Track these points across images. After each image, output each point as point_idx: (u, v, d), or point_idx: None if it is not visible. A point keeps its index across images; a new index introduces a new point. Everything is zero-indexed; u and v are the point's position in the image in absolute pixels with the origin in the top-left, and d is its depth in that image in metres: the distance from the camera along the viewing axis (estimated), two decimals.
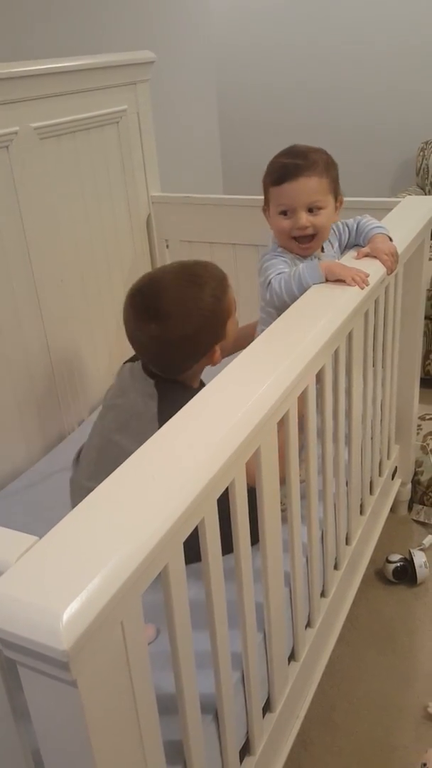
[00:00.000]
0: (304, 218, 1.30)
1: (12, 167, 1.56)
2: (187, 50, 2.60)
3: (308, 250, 1.34)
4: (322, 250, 1.38)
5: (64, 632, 0.52)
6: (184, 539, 0.71)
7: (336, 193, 1.34)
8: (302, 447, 1.11)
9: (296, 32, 3.42)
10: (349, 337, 1.23)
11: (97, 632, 0.55)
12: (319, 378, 1.11)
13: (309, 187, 1.28)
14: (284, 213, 1.31)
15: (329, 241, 1.40)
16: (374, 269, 1.27)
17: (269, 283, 1.28)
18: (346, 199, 1.75)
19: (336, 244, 1.42)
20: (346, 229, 1.42)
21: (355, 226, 1.42)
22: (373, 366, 1.46)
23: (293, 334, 1.04)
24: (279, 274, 1.28)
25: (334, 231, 1.42)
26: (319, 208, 1.30)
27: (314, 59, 3.44)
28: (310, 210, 1.30)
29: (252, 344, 1.01)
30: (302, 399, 1.03)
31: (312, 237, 1.32)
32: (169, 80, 2.45)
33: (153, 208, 2.06)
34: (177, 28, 2.52)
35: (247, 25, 3.50)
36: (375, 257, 1.30)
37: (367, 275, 1.21)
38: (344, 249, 1.43)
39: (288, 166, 1.29)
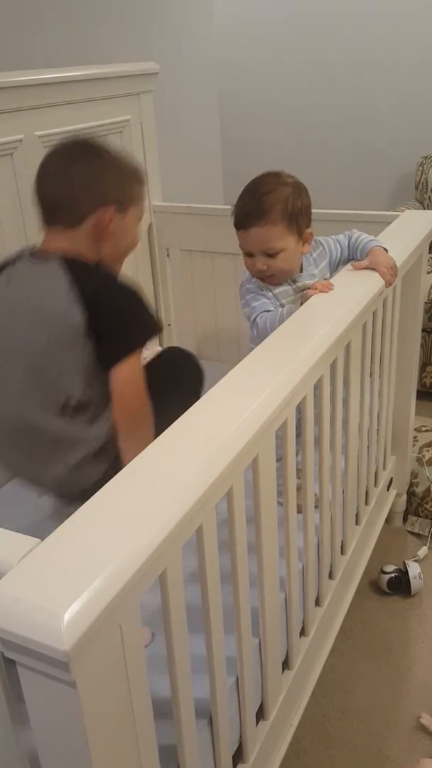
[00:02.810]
0: (260, 262, 1.29)
1: (16, 175, 1.57)
2: (190, 62, 2.62)
3: (275, 283, 1.34)
4: (301, 270, 1.36)
5: (65, 633, 0.53)
6: (183, 543, 0.72)
7: (299, 230, 1.29)
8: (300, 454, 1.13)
9: (298, 47, 3.46)
10: (347, 348, 1.24)
11: (97, 634, 0.56)
12: (317, 389, 1.12)
13: (261, 237, 1.27)
14: (248, 254, 1.32)
15: (314, 261, 1.38)
16: (373, 282, 1.29)
17: (255, 322, 1.29)
18: (345, 211, 1.78)
19: (323, 263, 1.40)
20: (338, 245, 1.41)
21: (347, 242, 1.41)
22: (371, 377, 1.48)
23: (292, 344, 1.06)
24: (264, 312, 1.28)
25: (324, 249, 1.40)
26: (277, 252, 1.28)
27: (315, 73, 3.47)
28: (269, 254, 1.29)
29: (251, 354, 1.02)
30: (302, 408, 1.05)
31: (273, 275, 1.32)
32: (172, 91, 2.48)
33: (155, 217, 2.08)
34: (180, 40, 2.55)
35: (250, 37, 3.54)
36: (374, 270, 1.32)
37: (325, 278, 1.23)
38: (338, 265, 1.42)
39: (240, 215, 1.29)
